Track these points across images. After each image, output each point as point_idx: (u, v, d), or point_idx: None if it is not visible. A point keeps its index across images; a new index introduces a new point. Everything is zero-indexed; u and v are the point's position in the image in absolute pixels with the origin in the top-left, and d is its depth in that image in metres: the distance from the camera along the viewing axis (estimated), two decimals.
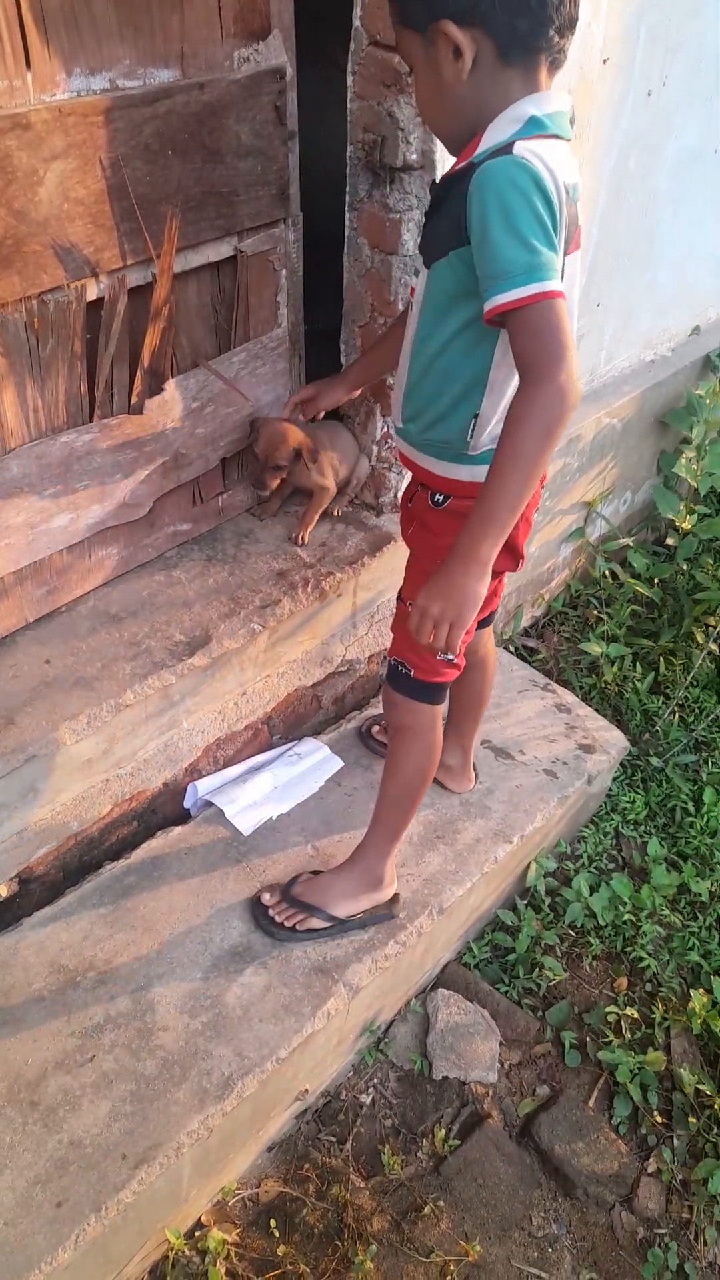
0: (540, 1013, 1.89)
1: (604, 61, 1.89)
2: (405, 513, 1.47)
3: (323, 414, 1.72)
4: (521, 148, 1.04)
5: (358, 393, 1.71)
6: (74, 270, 1.36)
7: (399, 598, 1.51)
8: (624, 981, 1.95)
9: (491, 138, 1.08)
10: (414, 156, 1.58)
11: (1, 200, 1.23)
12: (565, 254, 1.11)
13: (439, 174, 1.56)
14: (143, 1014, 1.47)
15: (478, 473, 1.27)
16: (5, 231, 1.25)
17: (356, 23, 1.54)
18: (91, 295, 1.41)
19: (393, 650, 1.50)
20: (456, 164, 1.13)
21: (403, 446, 1.37)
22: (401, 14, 1.12)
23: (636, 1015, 1.88)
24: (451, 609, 1.12)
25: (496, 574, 1.49)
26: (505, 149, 1.05)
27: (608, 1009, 1.87)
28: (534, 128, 1.07)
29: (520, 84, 1.09)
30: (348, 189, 1.69)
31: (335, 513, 1.96)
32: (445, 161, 1.58)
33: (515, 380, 1.18)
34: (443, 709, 1.51)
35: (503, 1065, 1.81)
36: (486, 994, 1.86)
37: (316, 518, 1.90)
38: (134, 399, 1.55)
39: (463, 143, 1.15)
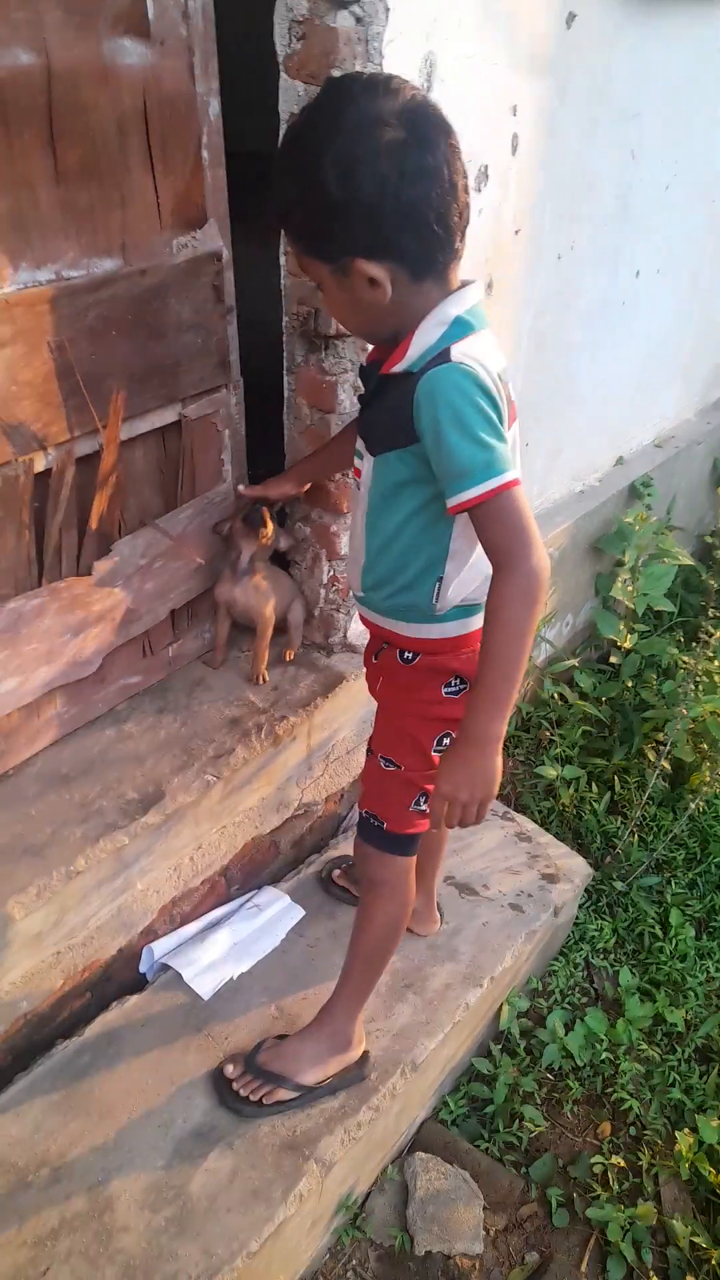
0: (524, 1169, 1.80)
1: (515, 233, 2.06)
2: (371, 668, 1.48)
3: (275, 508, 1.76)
4: (458, 352, 1.09)
5: (304, 489, 1.75)
6: (21, 446, 1.40)
7: (369, 750, 1.48)
8: (607, 1127, 1.87)
9: (422, 341, 1.12)
10: None
11: None
12: (507, 430, 1.16)
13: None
14: (101, 1213, 1.36)
15: (447, 629, 1.30)
16: None
17: None
18: (40, 467, 1.44)
19: (363, 803, 1.48)
20: (388, 364, 1.16)
21: (366, 612, 1.39)
22: (308, 251, 1.14)
23: (623, 1163, 1.81)
24: (480, 790, 1.17)
25: None
26: (443, 355, 1.10)
27: (593, 1159, 1.79)
28: (461, 328, 1.12)
29: (436, 291, 1.13)
30: (285, 354, 1.79)
31: (287, 658, 1.96)
32: None
33: (479, 546, 1.21)
34: (415, 860, 1.49)
35: (488, 1232, 1.70)
36: (466, 1153, 1.77)
37: (266, 649, 1.90)
38: (82, 561, 1.57)
39: (385, 340, 1.19)
